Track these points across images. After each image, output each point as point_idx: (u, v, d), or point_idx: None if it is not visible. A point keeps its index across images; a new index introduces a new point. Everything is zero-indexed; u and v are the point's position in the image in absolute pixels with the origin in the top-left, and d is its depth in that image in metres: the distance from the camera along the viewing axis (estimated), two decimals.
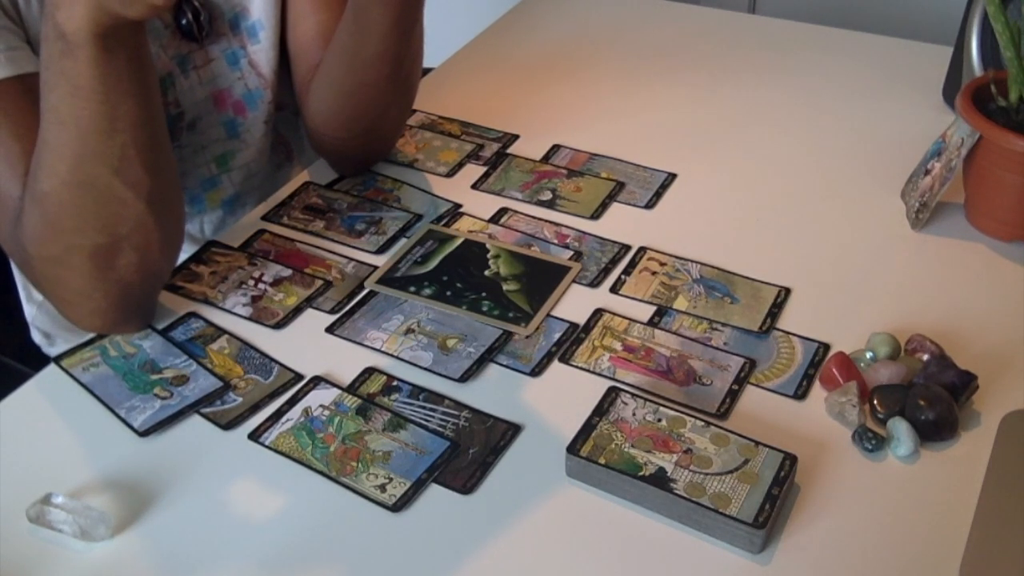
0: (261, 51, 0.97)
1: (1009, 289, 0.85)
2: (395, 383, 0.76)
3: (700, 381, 0.76)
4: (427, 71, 1.16)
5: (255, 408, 0.74)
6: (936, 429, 0.70)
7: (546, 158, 1.04)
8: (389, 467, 0.69)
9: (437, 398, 0.75)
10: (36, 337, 1.05)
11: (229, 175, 1.01)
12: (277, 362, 0.79)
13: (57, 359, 0.79)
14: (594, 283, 0.86)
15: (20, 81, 0.76)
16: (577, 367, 0.77)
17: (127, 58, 0.66)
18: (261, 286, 0.86)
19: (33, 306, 1.03)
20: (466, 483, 0.68)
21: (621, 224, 0.94)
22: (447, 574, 0.63)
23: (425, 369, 0.77)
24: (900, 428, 0.69)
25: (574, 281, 0.86)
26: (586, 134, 1.08)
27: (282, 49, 0.99)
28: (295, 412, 0.74)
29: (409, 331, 0.81)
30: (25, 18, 0.80)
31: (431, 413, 0.73)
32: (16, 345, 1.05)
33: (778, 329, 0.80)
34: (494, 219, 0.94)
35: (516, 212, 0.95)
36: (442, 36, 1.22)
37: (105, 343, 0.80)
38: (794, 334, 0.80)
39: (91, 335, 0.81)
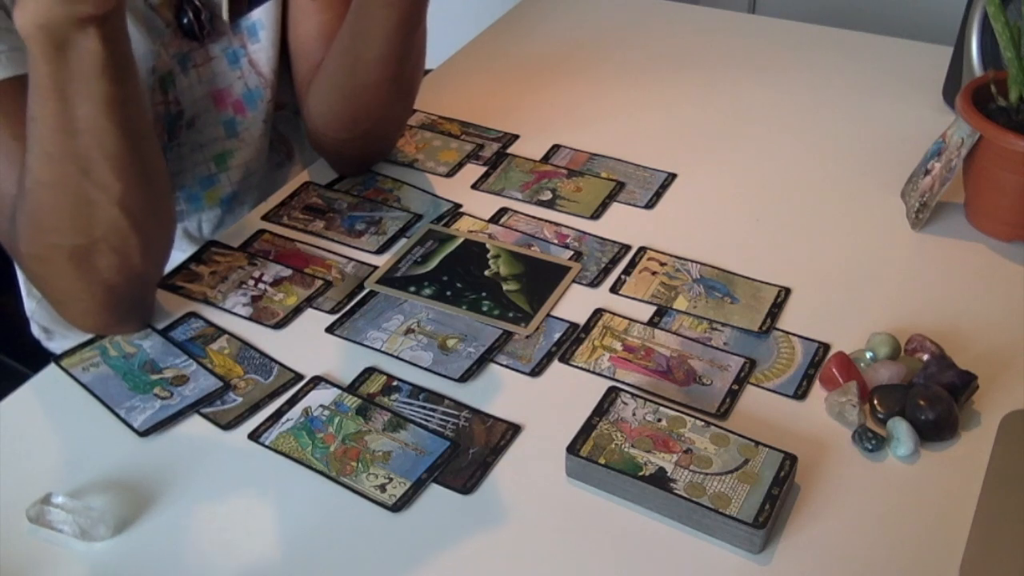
0: (261, 50, 0.97)
1: (1009, 289, 0.85)
2: (395, 383, 0.76)
3: (700, 381, 0.76)
4: (427, 71, 1.16)
5: (255, 408, 0.74)
6: (936, 429, 0.70)
7: (546, 158, 1.04)
8: (389, 467, 0.69)
9: (437, 398, 0.75)
10: (35, 331, 1.05)
11: (227, 174, 1.01)
12: (277, 362, 0.79)
13: (57, 359, 0.79)
14: (594, 283, 0.86)
15: (20, 81, 0.76)
16: (577, 367, 0.77)
17: (79, 59, 0.65)
18: (261, 286, 0.86)
19: (33, 300, 1.03)
20: (466, 483, 0.68)
21: (621, 224, 0.94)
22: (447, 574, 0.63)
23: (425, 369, 0.77)
24: (900, 428, 0.69)
25: (574, 281, 0.86)
26: (586, 134, 1.08)
27: (283, 48, 0.99)
28: (295, 412, 0.74)
29: (409, 331, 0.81)
30: None
31: (431, 413, 0.73)
32: (15, 341, 1.05)
33: (778, 329, 0.80)
34: (494, 219, 0.94)
35: (516, 212, 0.95)
36: (442, 36, 1.22)
37: (105, 343, 0.80)
38: (794, 334, 0.80)
39: (90, 335, 0.81)
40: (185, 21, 0.92)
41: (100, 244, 0.73)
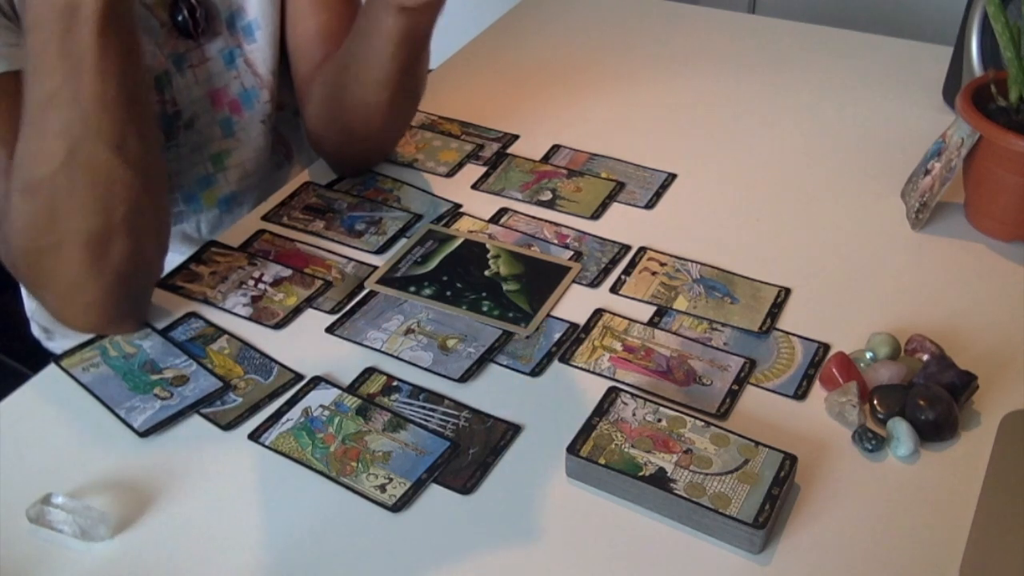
0: (257, 50, 0.97)
1: (1009, 289, 0.85)
2: (395, 383, 0.76)
3: (700, 381, 0.76)
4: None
5: (255, 408, 0.74)
6: (936, 429, 0.70)
7: (546, 158, 1.04)
8: (389, 467, 0.69)
9: (437, 398, 0.75)
10: (35, 331, 1.05)
11: (225, 174, 1.01)
12: (277, 362, 0.78)
13: (57, 359, 0.79)
14: (594, 283, 0.86)
15: (16, 77, 0.76)
16: (577, 367, 0.77)
17: (126, 34, 0.68)
18: (261, 286, 0.86)
19: (33, 301, 1.03)
20: (466, 483, 0.68)
21: (621, 224, 0.94)
22: (447, 574, 0.63)
23: (425, 369, 0.77)
24: (900, 428, 0.69)
25: (574, 281, 0.86)
26: (586, 134, 1.08)
27: (282, 49, 0.99)
28: (295, 412, 0.74)
29: (409, 331, 0.81)
30: (21, 15, 0.80)
31: (431, 413, 0.73)
32: (15, 341, 1.05)
33: (778, 329, 0.80)
34: (494, 219, 0.94)
35: (516, 212, 0.95)
36: (442, 36, 1.21)
37: (105, 343, 0.80)
38: (794, 334, 0.80)
39: (88, 335, 0.80)
40: (180, 19, 0.92)
41: (118, 227, 0.73)
